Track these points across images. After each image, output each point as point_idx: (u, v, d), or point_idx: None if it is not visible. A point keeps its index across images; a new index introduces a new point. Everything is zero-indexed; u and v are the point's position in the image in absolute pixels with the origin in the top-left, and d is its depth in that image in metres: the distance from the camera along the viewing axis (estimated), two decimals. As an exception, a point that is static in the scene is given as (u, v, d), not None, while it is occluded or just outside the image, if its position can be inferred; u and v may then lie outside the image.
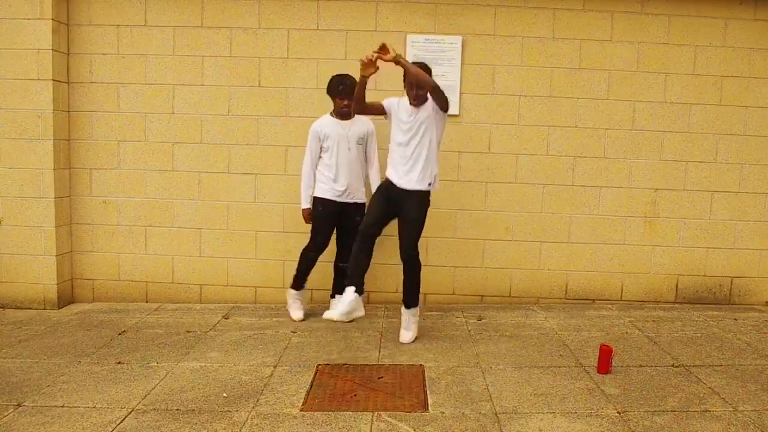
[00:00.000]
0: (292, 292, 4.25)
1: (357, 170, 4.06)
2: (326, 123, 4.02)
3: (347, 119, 4.02)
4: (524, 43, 4.47)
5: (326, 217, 4.07)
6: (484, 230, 4.62)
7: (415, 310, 3.78)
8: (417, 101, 3.51)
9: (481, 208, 4.60)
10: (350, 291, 3.54)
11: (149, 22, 4.48)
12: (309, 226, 4.13)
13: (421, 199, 3.62)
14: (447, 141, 4.43)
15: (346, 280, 3.65)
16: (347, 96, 3.89)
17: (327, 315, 3.60)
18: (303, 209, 4.10)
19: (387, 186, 3.67)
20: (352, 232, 4.08)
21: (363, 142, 4.07)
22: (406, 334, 3.75)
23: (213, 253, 4.67)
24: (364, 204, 4.11)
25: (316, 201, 4.06)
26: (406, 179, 3.57)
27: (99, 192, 4.64)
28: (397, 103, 3.63)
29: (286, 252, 4.60)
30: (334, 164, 4.00)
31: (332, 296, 4.28)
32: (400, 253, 3.66)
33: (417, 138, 3.54)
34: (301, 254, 4.17)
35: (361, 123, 4.07)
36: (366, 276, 4.63)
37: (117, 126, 4.58)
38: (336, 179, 4.01)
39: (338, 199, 4.03)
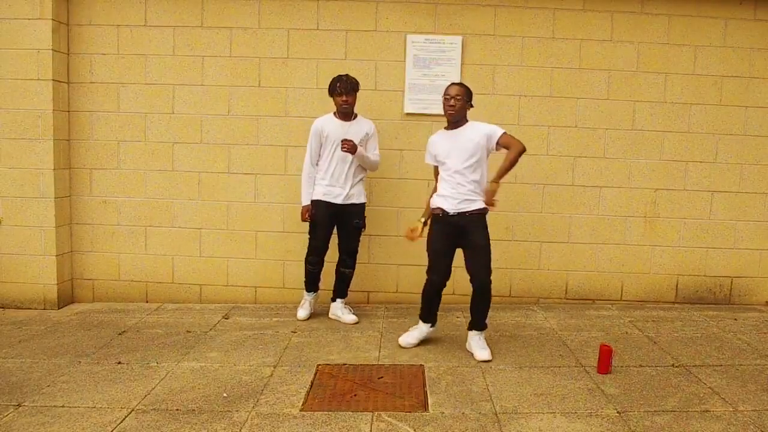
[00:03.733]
0: (304, 293, 4.25)
1: (356, 171, 3.99)
2: (328, 122, 3.98)
3: (348, 119, 3.98)
4: (524, 43, 4.48)
5: (322, 220, 3.99)
6: (484, 230, 4.61)
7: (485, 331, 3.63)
8: (452, 113, 3.43)
9: (481, 208, 4.60)
10: (426, 326, 3.70)
11: (149, 22, 4.48)
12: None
13: (484, 218, 3.50)
14: (447, 141, 4.44)
15: (420, 315, 3.70)
16: (345, 92, 3.85)
17: (401, 341, 3.67)
18: (303, 206, 4.02)
19: (442, 220, 3.47)
20: (353, 235, 4.08)
21: (364, 142, 3.98)
22: (485, 353, 3.47)
23: (213, 253, 4.67)
24: (363, 204, 4.06)
25: (312, 203, 3.99)
26: (466, 203, 3.42)
27: (99, 192, 4.64)
28: (435, 145, 3.53)
29: (286, 252, 4.61)
30: (333, 165, 3.94)
31: (333, 300, 4.26)
32: (474, 284, 3.45)
33: (468, 159, 3.43)
34: (304, 262, 4.13)
35: (363, 122, 4.03)
36: (365, 276, 4.66)
37: (117, 126, 4.58)
38: (334, 181, 3.95)
39: (335, 201, 3.96)
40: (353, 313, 4.20)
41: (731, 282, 4.71)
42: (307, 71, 4.48)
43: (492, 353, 3.50)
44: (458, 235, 3.46)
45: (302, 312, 4.20)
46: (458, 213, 3.43)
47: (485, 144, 3.45)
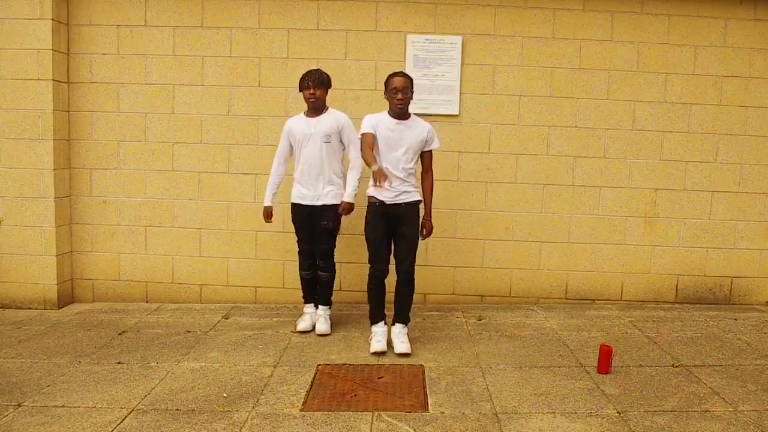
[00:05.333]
0: (304, 305, 4.09)
1: (323, 170, 3.76)
2: (295, 121, 3.85)
3: (317, 115, 3.78)
4: (524, 43, 4.48)
5: (300, 222, 3.90)
6: (484, 230, 4.62)
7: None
8: (402, 106, 3.43)
9: (481, 208, 4.60)
10: (380, 326, 3.65)
11: (149, 22, 4.49)
12: None
13: (418, 210, 3.58)
14: (447, 141, 4.44)
15: (370, 317, 3.69)
16: (314, 86, 3.69)
17: (372, 349, 3.54)
18: (264, 207, 3.93)
19: (378, 210, 3.50)
20: (323, 237, 3.85)
21: (332, 138, 3.75)
22: (404, 346, 3.55)
23: (213, 253, 4.67)
24: (335, 206, 3.80)
25: (291, 206, 3.91)
26: (404, 195, 3.49)
27: (99, 192, 4.64)
28: (377, 122, 3.48)
29: (286, 252, 4.60)
30: (301, 165, 3.81)
31: (315, 306, 4.07)
32: (399, 273, 3.56)
33: (411, 151, 3.49)
34: (298, 269, 4.05)
35: (331, 117, 3.79)
36: (365, 276, 4.65)
37: (117, 126, 4.58)
38: (304, 181, 3.81)
39: (305, 203, 3.82)
40: (328, 324, 3.97)
41: (731, 282, 4.71)
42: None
43: (413, 348, 3.58)
44: (393, 224, 3.53)
45: (302, 324, 3.99)
46: (395, 204, 3.49)
47: (423, 143, 3.53)
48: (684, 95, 4.53)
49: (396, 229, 3.54)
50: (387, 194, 3.48)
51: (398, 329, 3.64)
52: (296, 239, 4.02)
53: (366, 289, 3.72)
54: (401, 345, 3.57)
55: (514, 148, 4.56)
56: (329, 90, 3.86)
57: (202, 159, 4.60)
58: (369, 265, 3.65)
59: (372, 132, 3.49)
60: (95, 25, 4.49)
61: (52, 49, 4.31)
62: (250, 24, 4.47)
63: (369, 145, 3.49)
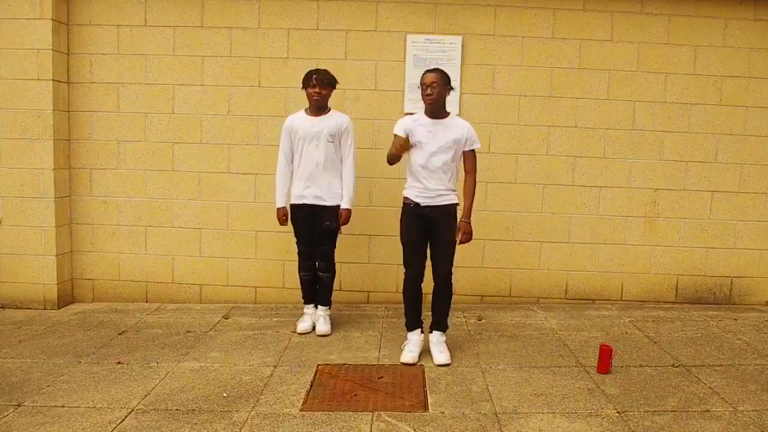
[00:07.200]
0: (303, 306, 4.07)
1: (327, 170, 3.74)
2: (297, 119, 3.78)
3: (320, 114, 3.75)
4: (524, 43, 4.48)
5: (299, 222, 3.84)
6: (484, 230, 4.61)
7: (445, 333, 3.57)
8: (431, 101, 3.32)
9: (481, 208, 4.59)
10: (416, 333, 3.52)
11: (149, 22, 4.49)
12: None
13: (455, 213, 3.44)
14: (447, 141, 4.43)
15: (406, 324, 3.54)
16: (320, 84, 3.66)
17: (402, 359, 3.44)
18: (277, 209, 3.87)
19: (413, 211, 3.40)
20: (325, 238, 3.83)
21: (335, 138, 3.74)
22: (443, 357, 3.42)
23: (213, 253, 4.67)
24: (337, 207, 3.79)
25: (291, 207, 3.84)
26: (439, 198, 3.37)
27: (99, 192, 4.64)
28: (413, 124, 3.38)
29: (286, 252, 4.60)
30: (302, 165, 3.75)
31: (315, 306, 4.04)
32: (436, 277, 3.42)
33: (448, 151, 3.36)
34: (297, 270, 4.01)
35: (335, 117, 3.78)
36: (365, 276, 4.67)
37: (117, 126, 4.58)
38: (302, 181, 3.75)
39: (306, 202, 3.76)
40: (329, 324, 3.95)
41: (731, 282, 4.71)
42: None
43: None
44: (429, 226, 3.41)
45: (303, 325, 3.97)
46: (430, 206, 3.38)
47: (462, 142, 3.41)
48: (684, 95, 4.53)
49: (432, 233, 3.42)
50: (422, 198, 3.38)
51: (436, 337, 3.49)
52: (295, 240, 3.98)
53: (401, 292, 3.54)
54: (440, 355, 3.43)
55: (514, 148, 4.56)
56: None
57: (202, 159, 4.59)
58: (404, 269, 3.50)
59: (402, 134, 3.36)
60: (95, 25, 4.49)
61: (52, 49, 4.31)
62: (250, 24, 4.47)
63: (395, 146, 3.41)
